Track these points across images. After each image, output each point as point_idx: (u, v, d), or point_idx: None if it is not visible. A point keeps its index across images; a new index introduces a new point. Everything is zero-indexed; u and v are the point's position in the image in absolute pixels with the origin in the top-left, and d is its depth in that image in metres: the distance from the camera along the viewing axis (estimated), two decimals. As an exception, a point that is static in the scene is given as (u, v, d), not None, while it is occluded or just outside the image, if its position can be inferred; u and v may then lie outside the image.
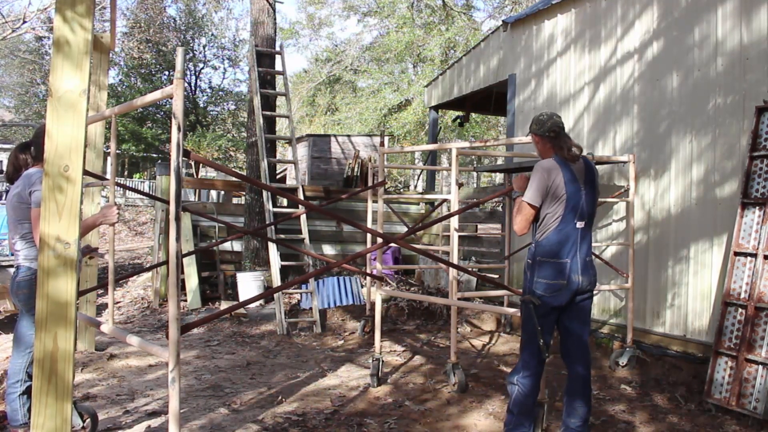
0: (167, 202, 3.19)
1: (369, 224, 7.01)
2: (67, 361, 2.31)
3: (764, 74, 4.44)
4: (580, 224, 3.12)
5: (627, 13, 5.67)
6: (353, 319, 7.10)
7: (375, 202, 7.59)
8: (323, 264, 8.81)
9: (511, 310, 4.56)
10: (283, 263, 7.34)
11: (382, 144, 5.20)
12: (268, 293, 3.00)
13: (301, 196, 7.79)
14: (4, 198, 9.83)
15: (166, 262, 2.69)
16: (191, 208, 7.90)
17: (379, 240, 5.08)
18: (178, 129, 2.31)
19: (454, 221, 4.57)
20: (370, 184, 6.91)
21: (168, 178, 7.98)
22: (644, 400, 4.36)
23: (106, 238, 11.37)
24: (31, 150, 3.24)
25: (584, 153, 5.90)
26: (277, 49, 8.45)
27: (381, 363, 4.73)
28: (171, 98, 2.35)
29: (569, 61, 6.37)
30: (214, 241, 8.21)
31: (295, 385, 4.61)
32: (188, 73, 28.48)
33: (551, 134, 3.19)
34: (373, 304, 7.10)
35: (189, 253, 5.16)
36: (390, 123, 20.88)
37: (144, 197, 21.99)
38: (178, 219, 2.33)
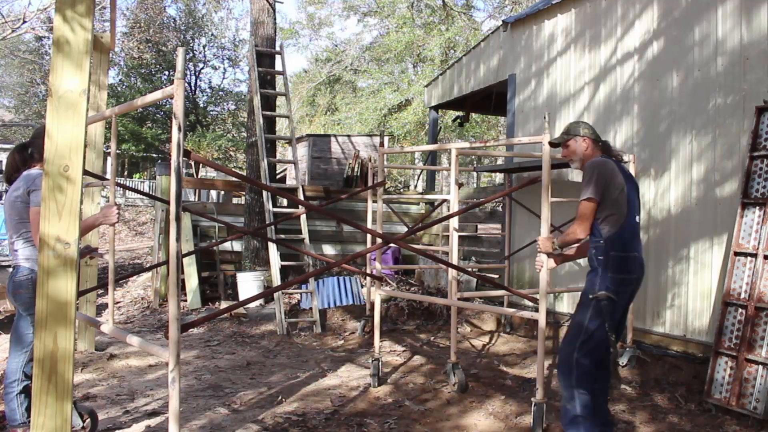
0: (167, 202, 3.19)
1: (369, 224, 7.01)
2: (67, 361, 2.30)
3: (764, 74, 4.44)
4: (638, 218, 3.16)
5: (627, 12, 5.67)
6: (353, 319, 7.10)
7: (375, 202, 7.59)
8: (323, 264, 8.82)
9: (511, 310, 4.55)
10: (283, 263, 7.34)
11: (381, 144, 5.19)
12: (267, 293, 3.00)
13: (301, 196, 7.79)
14: (3, 198, 9.83)
15: (166, 262, 2.69)
16: (192, 208, 7.90)
17: (379, 240, 5.08)
18: (179, 129, 2.31)
19: (454, 221, 4.57)
20: (370, 184, 6.91)
21: (168, 178, 7.98)
22: (644, 400, 4.36)
23: (106, 238, 11.37)
24: (28, 150, 3.22)
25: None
26: (277, 49, 8.45)
27: (381, 363, 4.73)
28: (171, 98, 2.35)
29: (569, 61, 6.37)
30: (214, 241, 8.20)
31: (295, 385, 4.61)
32: (188, 73, 28.47)
33: (599, 138, 3.29)
34: (373, 304, 7.10)
35: (189, 253, 5.16)
36: (390, 123, 20.88)
37: (144, 197, 22.01)
38: (178, 219, 2.33)
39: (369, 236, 6.84)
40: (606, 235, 3.07)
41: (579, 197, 3.11)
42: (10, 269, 3.23)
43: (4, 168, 3.33)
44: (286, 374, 4.95)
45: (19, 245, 3.14)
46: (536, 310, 6.72)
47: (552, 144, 3.48)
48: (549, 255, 3.42)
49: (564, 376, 3.09)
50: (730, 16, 4.70)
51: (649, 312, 5.25)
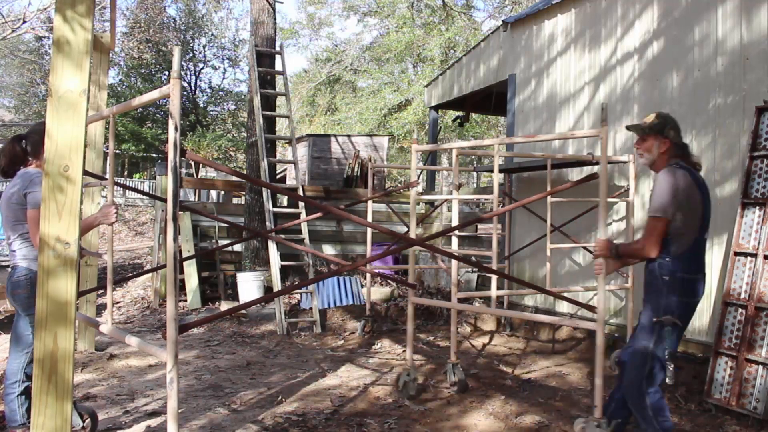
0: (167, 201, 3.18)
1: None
2: (67, 361, 2.30)
3: (764, 74, 4.44)
4: (706, 234, 2.95)
5: (627, 12, 5.67)
6: (353, 319, 7.10)
7: (375, 202, 7.58)
8: (327, 263, 8.81)
9: (526, 314, 4.53)
10: (283, 263, 7.33)
11: (415, 141, 4.69)
12: (270, 296, 3.00)
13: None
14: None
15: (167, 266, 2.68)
16: (194, 207, 7.90)
17: (383, 244, 4.97)
18: (175, 128, 2.31)
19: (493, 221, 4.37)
20: (369, 184, 6.91)
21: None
22: (644, 400, 4.35)
23: (105, 238, 11.37)
24: (23, 143, 3.19)
25: (584, 153, 5.91)
26: (277, 49, 8.45)
27: (414, 379, 4.33)
28: (168, 98, 2.35)
29: (569, 61, 6.37)
30: (214, 241, 8.20)
31: (295, 385, 4.61)
32: (188, 73, 28.52)
33: (681, 141, 2.99)
34: (372, 304, 7.10)
35: (189, 257, 5.13)
36: (390, 123, 20.89)
37: (144, 197, 22.01)
38: (175, 219, 2.33)
39: (369, 236, 6.83)
40: (674, 254, 2.85)
41: (649, 207, 2.87)
42: (9, 269, 3.22)
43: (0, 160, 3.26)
44: (286, 374, 4.95)
45: (16, 245, 3.13)
46: (536, 310, 6.70)
47: (629, 128, 3.16)
48: (606, 258, 3.12)
49: (637, 407, 2.92)
50: (730, 16, 4.70)
51: (649, 312, 5.25)
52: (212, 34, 29.40)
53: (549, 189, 5.23)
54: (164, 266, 3.45)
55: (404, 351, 5.83)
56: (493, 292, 4.49)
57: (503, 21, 7.50)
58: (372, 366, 5.26)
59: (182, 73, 28.97)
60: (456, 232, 4.62)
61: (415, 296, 4.37)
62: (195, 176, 16.81)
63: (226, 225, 8.14)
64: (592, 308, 3.38)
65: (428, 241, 3.81)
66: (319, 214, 5.37)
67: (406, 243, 3.97)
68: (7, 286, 3.15)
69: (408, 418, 3.91)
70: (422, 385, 4.67)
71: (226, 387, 4.52)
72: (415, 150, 4.62)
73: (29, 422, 2.66)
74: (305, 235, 7.49)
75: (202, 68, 29.46)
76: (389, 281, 8.35)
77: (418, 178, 15.03)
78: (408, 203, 9.68)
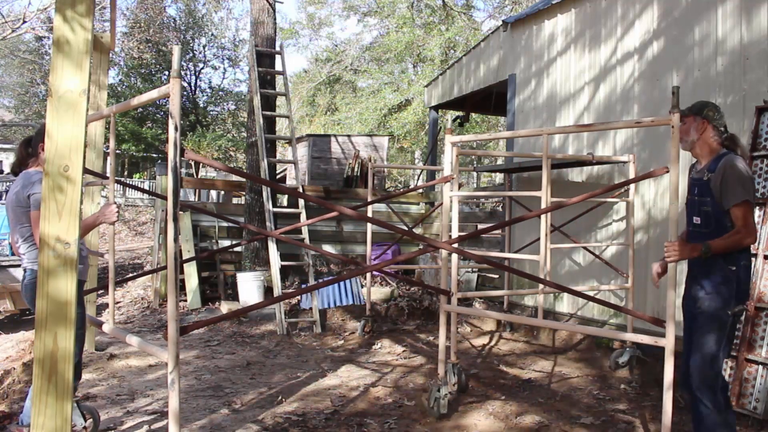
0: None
1: (369, 226, 7.00)
2: (67, 361, 2.30)
3: (764, 74, 4.44)
4: None
5: (627, 12, 5.67)
6: (353, 319, 7.10)
7: (374, 201, 7.55)
8: (326, 263, 8.81)
9: (532, 319, 4.53)
10: (283, 263, 7.33)
11: (450, 132, 4.21)
12: (275, 300, 2.99)
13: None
14: (4, 198, 9.84)
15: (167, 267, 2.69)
16: (194, 206, 7.89)
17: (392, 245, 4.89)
18: (175, 128, 2.31)
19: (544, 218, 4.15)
20: (369, 184, 6.91)
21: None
22: (644, 399, 4.36)
23: (106, 237, 11.37)
24: (29, 144, 3.26)
25: (584, 153, 5.91)
26: (277, 49, 8.45)
27: (445, 395, 3.88)
28: (168, 97, 2.35)
29: (569, 61, 6.37)
30: (214, 241, 8.20)
31: (295, 385, 4.61)
32: (188, 73, 28.50)
33: (725, 130, 2.92)
34: (372, 304, 7.09)
35: (189, 259, 5.13)
36: (390, 123, 20.89)
37: (144, 197, 22.02)
38: (175, 218, 2.33)
39: (369, 236, 6.83)
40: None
41: (729, 201, 2.76)
42: (12, 269, 3.28)
43: (5, 168, 3.37)
44: (286, 374, 4.95)
45: (23, 248, 3.18)
46: (536, 310, 6.70)
47: (671, 111, 3.01)
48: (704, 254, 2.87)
49: (707, 398, 2.86)
50: (730, 16, 4.70)
51: (649, 312, 5.24)
52: (212, 34, 29.40)
53: (548, 189, 5.22)
54: (165, 267, 3.47)
55: (404, 351, 5.84)
56: (540, 291, 4.49)
57: (503, 21, 7.50)
58: (372, 366, 5.26)
59: (182, 73, 28.96)
60: (457, 233, 4.62)
61: (447, 303, 4.07)
62: (195, 176, 16.81)
63: (226, 225, 8.14)
64: (659, 321, 3.01)
65: (414, 243, 3.80)
66: (324, 216, 5.37)
67: (436, 246, 3.83)
68: (21, 288, 3.27)
69: (408, 418, 3.91)
70: (422, 385, 4.68)
71: (226, 387, 4.52)
72: (449, 141, 4.10)
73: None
74: (305, 235, 7.50)
75: (202, 68, 29.47)
76: (389, 281, 8.35)
77: (418, 179, 14.95)
78: (408, 204, 9.70)
